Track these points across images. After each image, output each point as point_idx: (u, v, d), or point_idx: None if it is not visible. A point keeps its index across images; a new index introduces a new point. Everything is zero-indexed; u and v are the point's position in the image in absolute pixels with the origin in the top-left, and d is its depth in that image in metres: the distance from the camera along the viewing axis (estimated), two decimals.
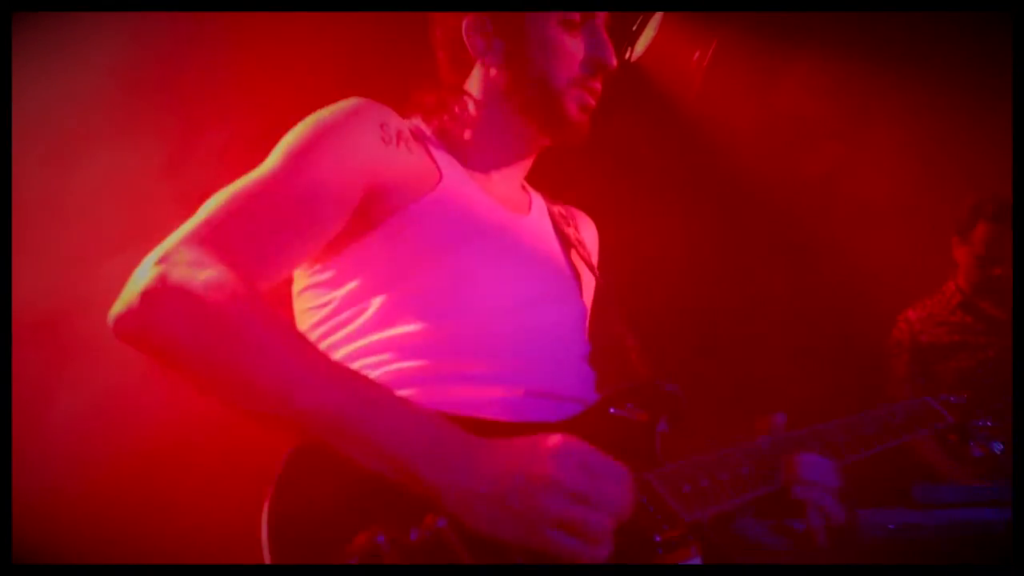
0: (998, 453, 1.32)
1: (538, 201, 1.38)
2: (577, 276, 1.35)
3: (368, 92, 1.17)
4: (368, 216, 1.10)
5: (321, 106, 1.14)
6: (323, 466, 0.87)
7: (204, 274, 0.89)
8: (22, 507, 1.93)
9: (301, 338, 0.97)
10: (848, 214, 3.03)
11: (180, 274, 0.89)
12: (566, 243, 1.36)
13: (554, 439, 0.86)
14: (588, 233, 1.46)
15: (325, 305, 1.12)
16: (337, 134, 1.07)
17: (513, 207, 1.30)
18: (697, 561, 0.94)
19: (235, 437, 1.84)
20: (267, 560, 0.82)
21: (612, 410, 1.05)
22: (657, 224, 2.81)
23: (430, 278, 1.10)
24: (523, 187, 1.38)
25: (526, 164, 1.32)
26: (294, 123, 1.12)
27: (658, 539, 0.91)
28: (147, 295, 0.88)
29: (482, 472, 0.85)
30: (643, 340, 1.24)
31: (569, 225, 1.40)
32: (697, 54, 2.85)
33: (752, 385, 2.84)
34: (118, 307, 0.90)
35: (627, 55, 2.58)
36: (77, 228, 2.16)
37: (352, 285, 1.10)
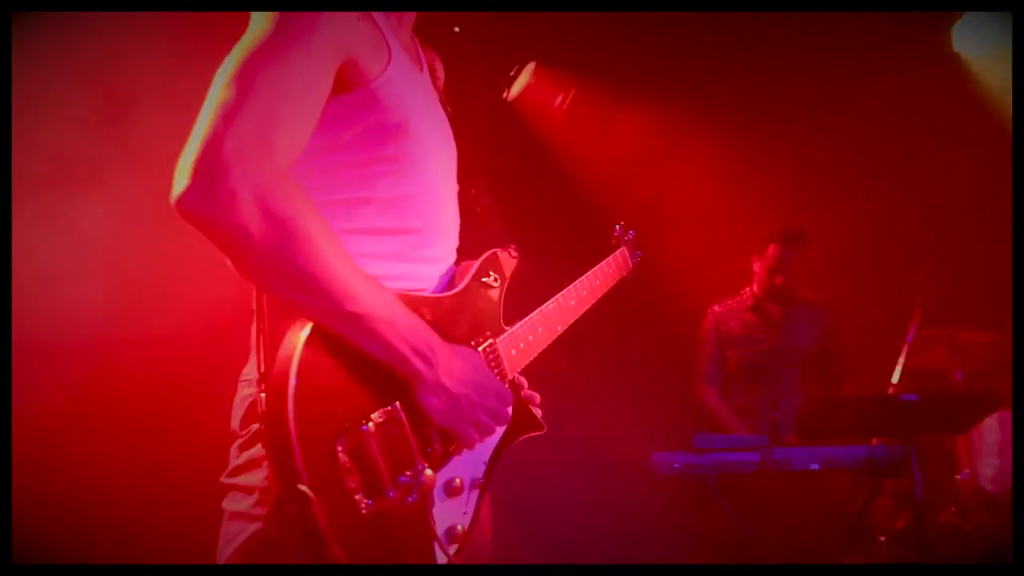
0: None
1: (416, 46, 1.40)
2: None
3: None
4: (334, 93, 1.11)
5: None
6: (331, 354, 1.05)
7: (272, 174, 0.96)
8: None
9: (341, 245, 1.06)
10: (671, 226, 3.82)
11: (254, 170, 0.94)
12: (442, 101, 1.43)
13: (481, 364, 1.23)
14: (443, 71, 1.54)
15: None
16: (314, 16, 1.05)
17: (418, 64, 1.35)
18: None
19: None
20: (291, 426, 0.97)
21: (483, 279, 1.35)
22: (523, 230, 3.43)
23: (396, 159, 1.19)
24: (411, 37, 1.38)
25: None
26: None
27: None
28: (227, 189, 0.92)
29: (454, 374, 1.15)
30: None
31: (435, 73, 1.46)
32: (560, 97, 3.54)
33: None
34: (194, 190, 0.92)
35: (505, 95, 3.20)
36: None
37: (323, 168, 1.16)
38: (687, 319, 3.59)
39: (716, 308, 3.47)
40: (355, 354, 1.06)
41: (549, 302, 1.49)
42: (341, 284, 1.01)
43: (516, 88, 3.29)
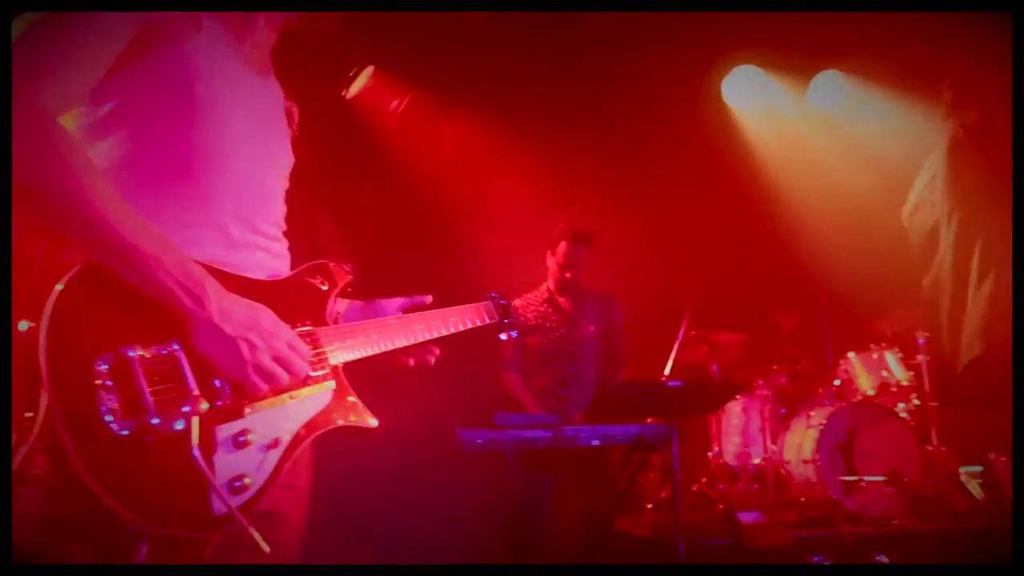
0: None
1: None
2: None
3: None
4: (135, 51, 1.17)
5: None
6: (104, 285, 1.06)
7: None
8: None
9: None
10: (492, 226, 4.20)
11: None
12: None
13: (272, 315, 1.21)
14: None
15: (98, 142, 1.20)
16: None
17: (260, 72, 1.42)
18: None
19: None
20: (41, 335, 0.97)
21: (310, 279, 1.41)
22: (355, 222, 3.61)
23: (193, 123, 1.23)
24: None
25: None
26: None
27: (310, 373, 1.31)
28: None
29: (233, 317, 1.14)
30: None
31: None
32: (395, 102, 3.77)
33: None
34: None
35: (344, 93, 3.36)
36: None
37: (118, 131, 1.19)
38: None
39: (517, 302, 3.84)
40: (129, 289, 1.08)
41: (390, 318, 1.57)
42: (102, 216, 1.05)
43: (355, 88, 3.48)
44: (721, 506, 4.12)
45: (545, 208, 4.67)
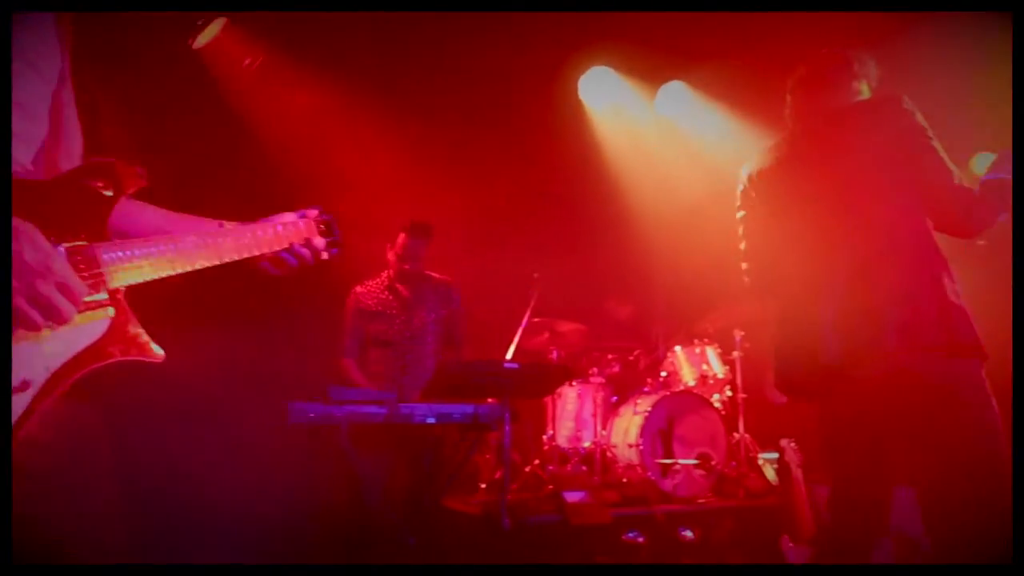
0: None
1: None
2: None
3: None
4: None
5: None
6: None
7: None
8: None
9: None
10: (335, 191, 4.17)
11: None
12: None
13: (32, 233, 1.04)
14: None
15: None
16: None
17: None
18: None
19: None
20: None
21: (88, 180, 1.21)
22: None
23: None
24: None
25: None
26: None
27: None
28: None
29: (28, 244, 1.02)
30: None
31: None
32: (248, 60, 3.60)
33: None
34: None
35: (191, 42, 3.14)
36: None
37: None
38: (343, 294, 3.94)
39: (358, 288, 3.85)
40: None
41: (192, 233, 1.35)
42: None
43: (203, 38, 3.29)
44: (551, 486, 4.31)
45: (396, 190, 4.67)
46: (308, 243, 1.57)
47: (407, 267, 3.78)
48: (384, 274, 3.89)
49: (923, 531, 2.05)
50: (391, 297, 3.82)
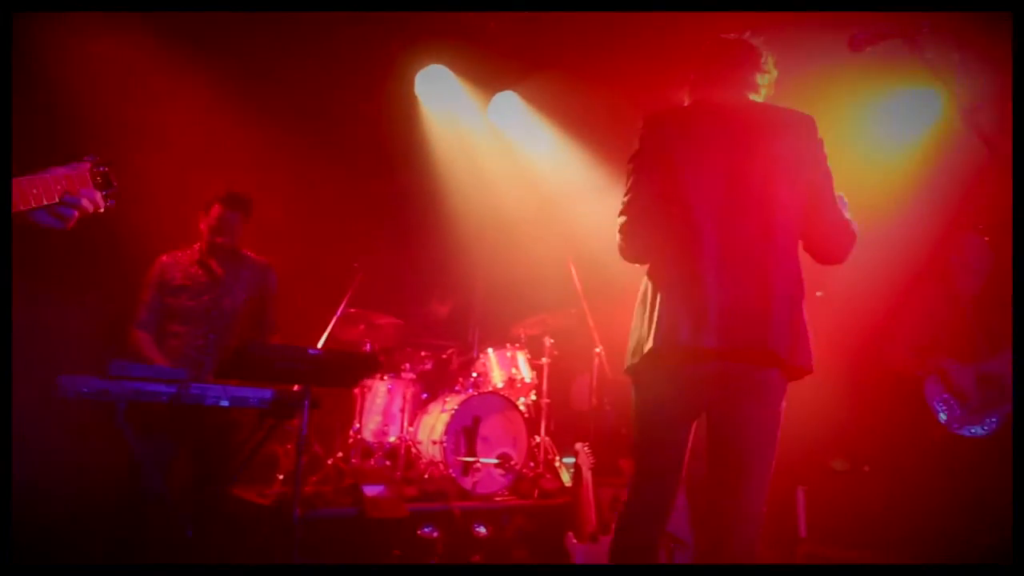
0: None
1: None
2: None
3: None
4: None
5: None
6: None
7: None
8: None
9: None
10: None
11: None
12: None
13: None
14: None
15: None
16: None
17: None
18: None
19: None
20: None
21: None
22: None
23: None
24: None
25: None
26: None
27: None
28: None
29: None
30: None
31: None
32: None
33: None
34: None
35: None
36: None
37: None
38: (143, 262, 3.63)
39: (164, 258, 3.53)
40: None
41: None
42: None
43: None
44: (350, 479, 4.26)
45: (218, 159, 4.42)
46: (82, 195, 1.50)
47: (219, 241, 3.52)
48: (195, 247, 3.60)
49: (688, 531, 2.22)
50: (200, 272, 3.53)
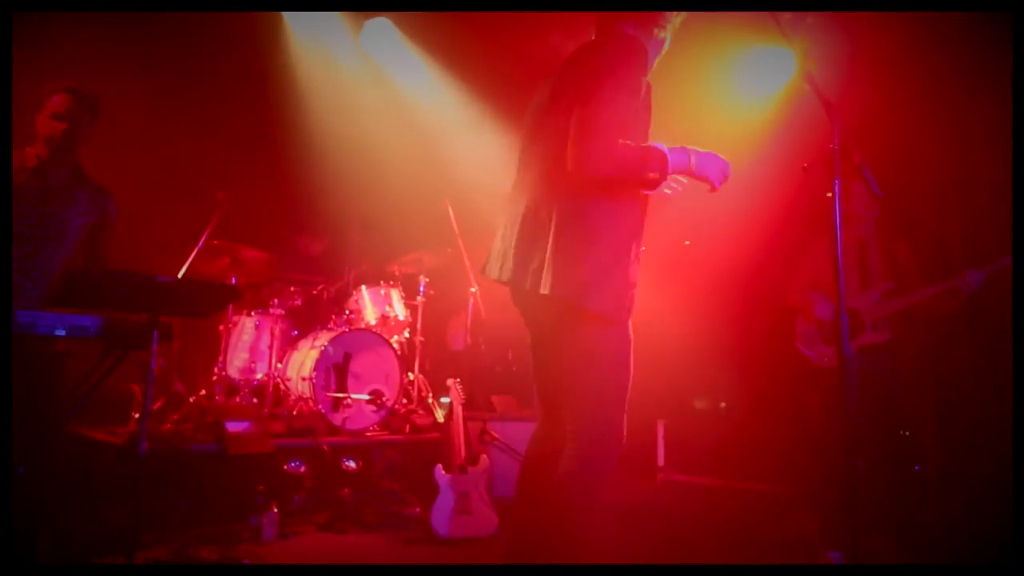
0: None
1: None
2: None
3: None
4: None
5: None
6: None
7: None
8: None
9: None
10: None
11: None
12: None
13: None
14: None
15: None
16: None
17: None
18: None
19: None
20: None
21: None
22: None
23: None
24: None
25: None
26: None
27: None
28: None
29: None
30: None
31: None
32: None
33: None
34: None
35: None
36: None
37: None
38: None
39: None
40: None
41: None
42: None
43: None
44: (213, 417, 4.13)
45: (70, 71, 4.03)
46: None
47: (63, 127, 3.07)
48: (30, 151, 3.13)
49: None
50: (32, 180, 3.09)
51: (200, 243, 4.20)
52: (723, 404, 5.56)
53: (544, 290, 2.03)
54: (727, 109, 5.09)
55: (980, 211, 4.23)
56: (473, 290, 5.02)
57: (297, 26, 4.95)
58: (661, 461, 5.24)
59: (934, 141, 4.41)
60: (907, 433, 3.88)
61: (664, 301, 5.10)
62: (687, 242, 5.88)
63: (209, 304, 3.35)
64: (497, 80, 4.70)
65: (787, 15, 2.30)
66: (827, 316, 3.96)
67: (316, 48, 4.99)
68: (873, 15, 3.99)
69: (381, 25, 5.00)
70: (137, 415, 4.13)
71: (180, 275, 4.15)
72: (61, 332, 2.73)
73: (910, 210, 4.45)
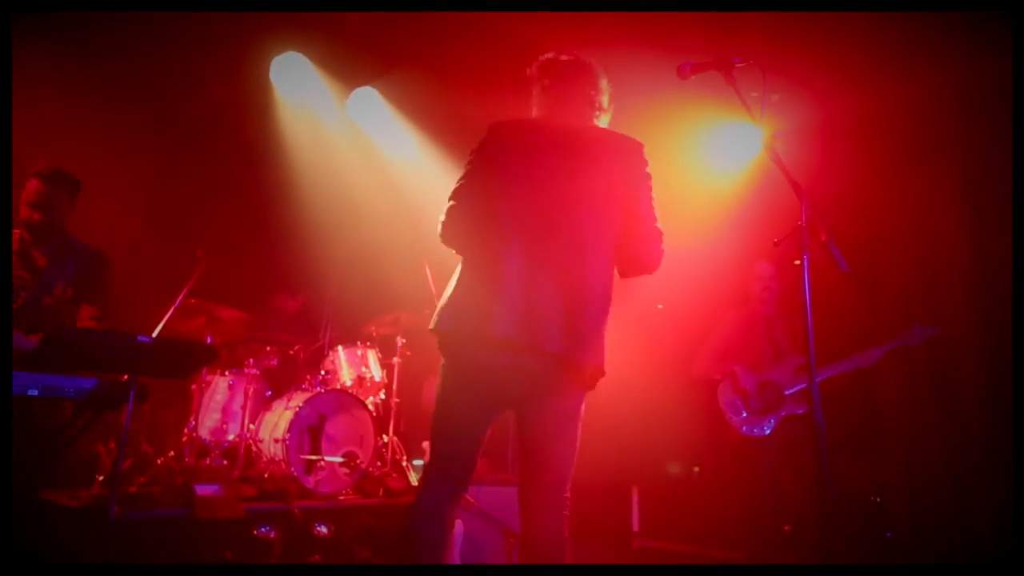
0: None
1: None
2: None
3: None
4: None
5: None
6: None
7: None
8: None
9: None
10: None
11: None
12: None
13: None
14: None
15: None
16: None
17: None
18: None
19: None
20: None
21: None
22: None
23: None
24: None
25: None
26: None
27: None
28: None
29: None
30: None
31: None
32: None
33: None
34: None
35: None
36: None
37: None
38: None
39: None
40: None
41: None
42: None
43: None
44: (182, 480, 4.03)
45: (48, 142, 4.08)
46: None
47: (37, 218, 3.17)
48: (16, 233, 3.20)
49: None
50: (18, 262, 3.16)
51: (177, 301, 4.18)
52: (696, 469, 5.58)
53: (590, 362, 2.18)
54: (697, 182, 5.29)
55: (937, 269, 4.44)
56: None
57: (286, 90, 5.08)
58: (636, 527, 5.21)
59: (895, 203, 4.65)
60: (878, 500, 3.95)
61: (637, 365, 5.18)
62: (660, 305, 6.01)
63: (188, 365, 3.33)
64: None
65: (754, 93, 2.48)
66: (751, 388, 4.14)
67: (301, 112, 5.12)
68: (839, 85, 4.24)
69: (367, 94, 5.17)
70: (101, 477, 4.01)
71: (155, 334, 4.11)
72: (34, 391, 2.70)
73: (875, 268, 4.67)
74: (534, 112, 2.50)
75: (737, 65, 2.39)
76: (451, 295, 2.24)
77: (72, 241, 3.37)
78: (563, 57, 2.47)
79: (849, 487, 3.70)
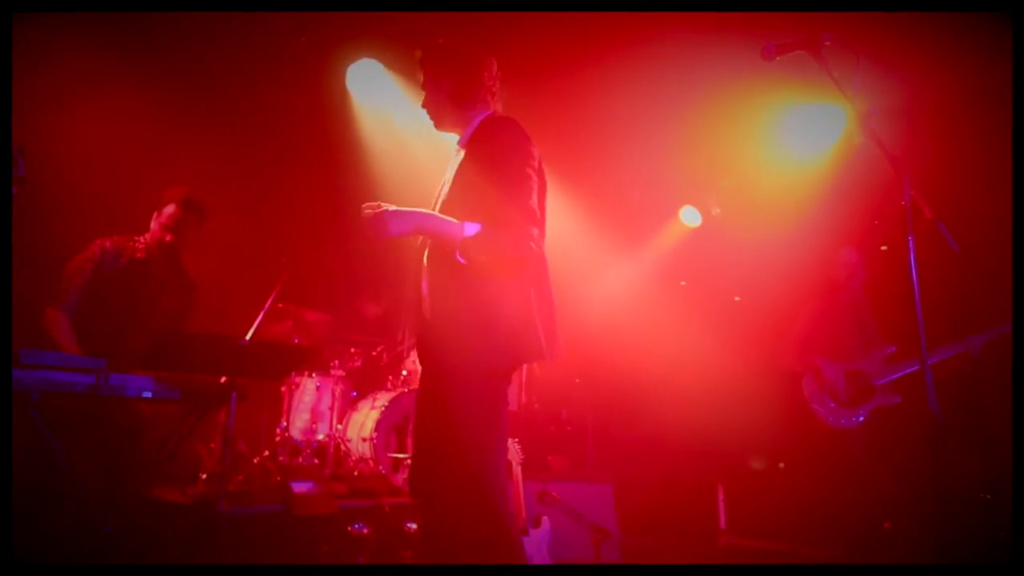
0: None
1: None
2: None
3: None
4: None
5: None
6: None
7: None
8: None
9: None
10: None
11: None
12: None
13: None
14: None
15: None
16: None
17: None
18: None
19: None
20: None
21: None
22: None
23: None
24: None
25: None
26: None
27: None
28: None
29: None
30: None
31: None
32: None
33: None
34: None
35: None
36: None
37: None
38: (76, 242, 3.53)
39: (106, 244, 3.48)
40: None
41: None
42: None
43: None
44: (278, 477, 4.18)
45: (140, 152, 4.31)
46: None
47: (169, 239, 3.55)
48: (141, 239, 3.59)
49: None
50: (138, 268, 3.53)
51: (266, 306, 4.34)
52: (782, 465, 5.43)
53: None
54: (774, 170, 5.14)
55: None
56: None
57: (362, 97, 5.21)
58: (723, 524, 5.11)
59: (989, 186, 4.40)
60: (988, 496, 3.75)
61: (717, 362, 5.07)
62: (737, 298, 5.88)
63: (284, 366, 3.49)
64: (556, 144, 4.86)
65: (834, 65, 2.37)
66: (838, 379, 3.98)
67: (379, 117, 5.24)
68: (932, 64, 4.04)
69: None
70: (204, 476, 4.20)
71: (248, 337, 4.29)
72: (148, 394, 2.87)
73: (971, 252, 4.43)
74: (500, 107, 2.48)
75: (826, 44, 2.30)
76: (530, 317, 2.15)
77: (181, 265, 3.73)
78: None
79: (955, 483, 3.52)
